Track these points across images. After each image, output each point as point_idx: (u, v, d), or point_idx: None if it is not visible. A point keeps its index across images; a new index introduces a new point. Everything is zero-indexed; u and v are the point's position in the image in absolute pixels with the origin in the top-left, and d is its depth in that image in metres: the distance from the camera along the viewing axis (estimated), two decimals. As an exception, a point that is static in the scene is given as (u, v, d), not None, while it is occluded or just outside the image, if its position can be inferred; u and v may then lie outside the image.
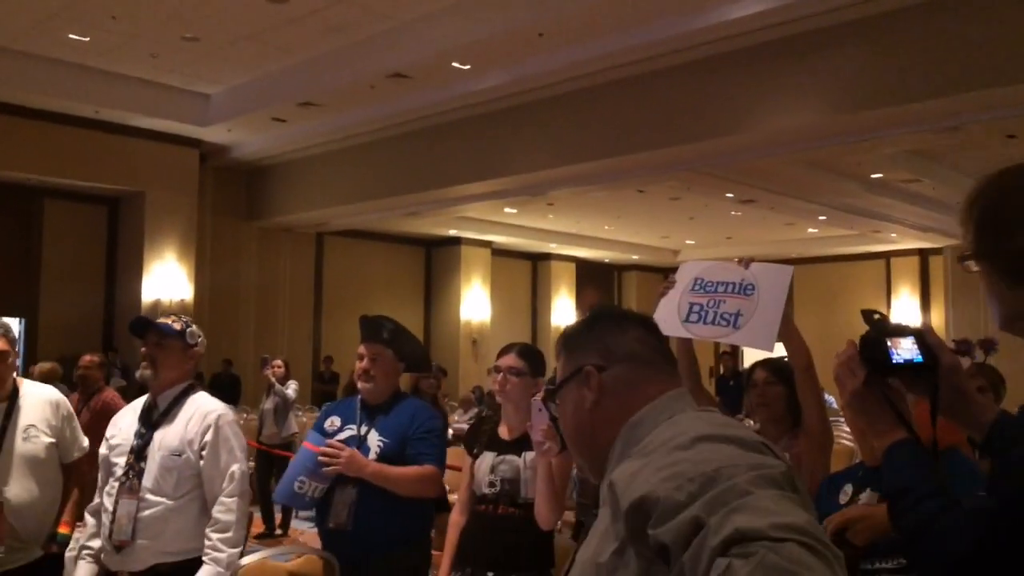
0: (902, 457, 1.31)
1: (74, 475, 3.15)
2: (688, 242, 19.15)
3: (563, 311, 19.60)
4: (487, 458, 3.00)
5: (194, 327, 3.00)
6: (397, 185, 12.18)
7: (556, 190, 11.87)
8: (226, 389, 11.75)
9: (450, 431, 8.03)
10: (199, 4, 8.85)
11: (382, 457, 3.11)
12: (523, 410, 2.97)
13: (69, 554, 2.96)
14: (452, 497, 4.13)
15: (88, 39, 9.81)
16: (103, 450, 2.99)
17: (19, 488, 2.99)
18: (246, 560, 2.82)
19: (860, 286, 18.03)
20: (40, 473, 3.04)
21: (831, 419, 2.83)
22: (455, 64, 9.54)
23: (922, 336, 1.38)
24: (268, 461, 8.25)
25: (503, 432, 3.05)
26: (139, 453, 2.83)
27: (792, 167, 11.14)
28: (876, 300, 18.19)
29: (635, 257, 20.10)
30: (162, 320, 2.96)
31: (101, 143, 11.90)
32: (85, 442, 3.17)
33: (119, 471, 2.85)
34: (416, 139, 11.71)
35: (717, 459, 1.05)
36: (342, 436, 3.22)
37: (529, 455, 2.91)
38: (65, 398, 3.26)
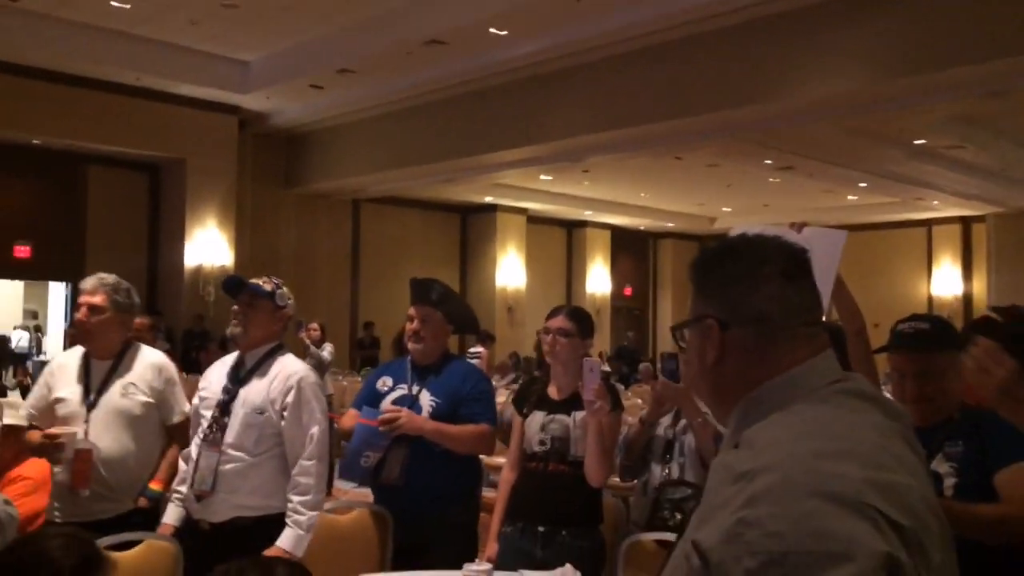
0: None
1: (176, 436, 3.24)
2: (725, 209, 19.00)
3: (598, 279, 19.59)
4: (537, 417, 3.07)
5: (284, 289, 3.05)
6: (433, 152, 12.22)
7: (592, 157, 11.83)
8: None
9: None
10: (239, -29, 8.91)
11: (434, 416, 3.19)
12: (572, 370, 3.03)
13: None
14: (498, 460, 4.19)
15: (129, 6, 9.90)
16: (194, 401, 3.10)
17: (111, 440, 3.09)
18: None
19: (900, 254, 17.82)
20: (134, 429, 3.14)
21: None
22: (492, 30, 9.51)
23: None
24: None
25: (552, 392, 3.11)
26: (224, 408, 2.93)
27: (832, 133, 11.00)
28: (917, 269, 17.99)
29: (671, 225, 19.99)
30: (254, 281, 3.01)
31: (143, 110, 12.05)
32: (187, 406, 3.26)
33: (204, 424, 2.96)
34: (452, 106, 11.72)
35: (792, 532, 0.92)
36: (394, 395, 3.30)
37: (578, 414, 2.97)
38: (170, 363, 3.35)
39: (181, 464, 3.02)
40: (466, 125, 11.63)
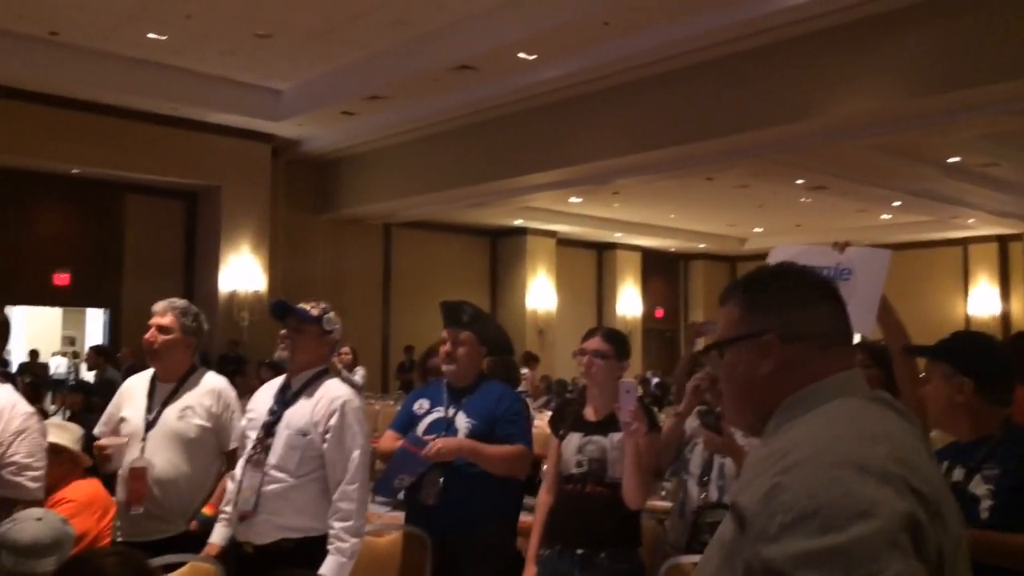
0: None
1: (232, 462, 3.27)
2: (756, 230, 18.90)
3: (629, 301, 19.54)
4: (573, 439, 3.07)
5: (331, 314, 3.09)
6: (463, 176, 12.30)
7: (622, 179, 11.84)
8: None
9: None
10: (270, 1, 9.07)
11: (471, 437, 3.21)
12: (608, 392, 3.03)
13: None
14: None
15: (165, 38, 10.11)
16: (242, 423, 3.16)
17: (164, 462, 3.16)
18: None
19: (936, 274, 17.58)
20: (188, 452, 3.20)
21: None
22: (521, 55, 9.59)
23: None
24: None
25: (588, 413, 3.12)
26: (268, 429, 2.97)
27: (865, 152, 10.93)
28: (953, 288, 17.74)
29: (701, 246, 19.92)
30: (301, 306, 3.06)
31: (179, 139, 12.27)
32: None
33: (249, 444, 3.00)
34: (482, 130, 11.80)
35: (822, 493, 1.03)
36: (430, 418, 3.32)
37: (615, 436, 2.97)
38: (231, 389, 3.40)
39: (229, 484, 3.06)
40: (496, 149, 11.71)
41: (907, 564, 1.00)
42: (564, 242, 18.14)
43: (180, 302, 3.35)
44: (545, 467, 3.43)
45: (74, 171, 12.16)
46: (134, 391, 3.33)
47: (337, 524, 2.82)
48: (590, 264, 19.58)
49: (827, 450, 1.09)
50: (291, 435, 2.93)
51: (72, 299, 13.15)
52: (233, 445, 3.29)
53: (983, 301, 17.39)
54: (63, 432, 3.44)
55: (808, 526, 1.01)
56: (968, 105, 8.19)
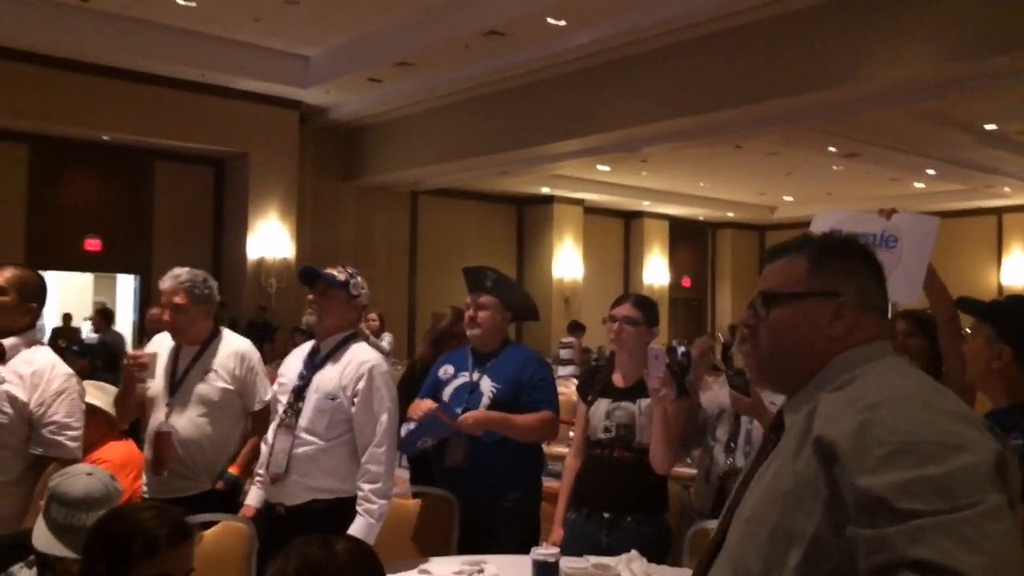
0: None
1: (257, 423, 3.34)
2: (786, 199, 18.69)
3: (656, 270, 19.45)
4: (602, 404, 3.08)
5: (358, 279, 3.11)
6: (490, 143, 12.25)
7: (651, 147, 11.72)
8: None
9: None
10: (300, -34, 9.03)
11: (495, 401, 3.23)
12: (637, 358, 3.03)
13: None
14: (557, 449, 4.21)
15: (195, 5, 10.11)
16: (274, 387, 3.20)
17: (188, 423, 3.24)
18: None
19: (969, 244, 17.28)
20: (212, 414, 3.26)
21: None
22: (550, 20, 9.49)
23: None
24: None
25: (617, 380, 3.12)
26: (299, 393, 3.01)
27: (900, 119, 10.73)
28: (987, 258, 17.48)
29: (730, 214, 19.74)
30: (328, 271, 3.07)
31: (207, 106, 12.31)
32: (268, 394, 3.35)
33: (280, 408, 3.04)
34: (510, 97, 11.72)
35: (917, 428, 1.07)
36: (456, 383, 3.34)
37: (644, 402, 2.97)
38: (254, 351, 3.45)
39: (263, 448, 3.11)
40: (523, 116, 11.63)
41: (1001, 499, 1.03)
42: (591, 210, 18.04)
43: (184, 274, 3.36)
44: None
45: (104, 137, 12.25)
46: (158, 355, 3.34)
47: (366, 486, 2.86)
48: (617, 233, 19.48)
49: (907, 394, 1.14)
50: (320, 399, 2.96)
51: (103, 265, 13.31)
52: (257, 407, 3.34)
53: (1017, 270, 17.14)
54: (100, 393, 3.51)
55: (907, 458, 1.04)
56: (1004, 71, 8.00)
